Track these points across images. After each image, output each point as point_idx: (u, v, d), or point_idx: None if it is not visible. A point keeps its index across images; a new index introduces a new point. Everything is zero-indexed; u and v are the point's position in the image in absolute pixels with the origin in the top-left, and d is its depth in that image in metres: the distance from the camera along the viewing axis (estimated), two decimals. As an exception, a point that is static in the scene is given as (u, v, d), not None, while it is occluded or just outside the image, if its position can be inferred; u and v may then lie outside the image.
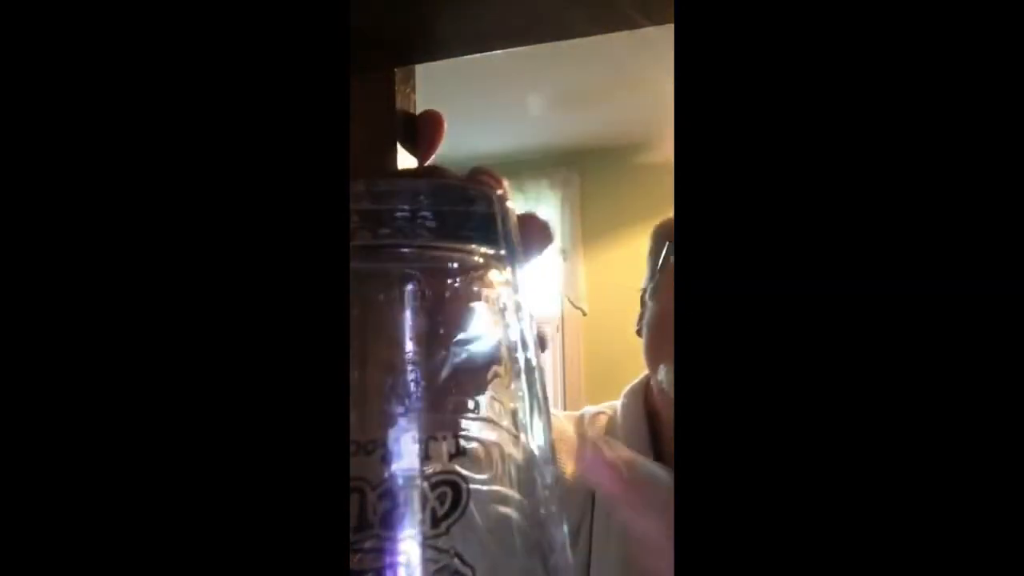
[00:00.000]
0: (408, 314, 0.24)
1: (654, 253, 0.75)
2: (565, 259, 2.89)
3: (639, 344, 0.73)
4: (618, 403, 0.78)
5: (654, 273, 0.74)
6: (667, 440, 0.71)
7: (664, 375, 0.68)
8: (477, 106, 2.04)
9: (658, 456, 0.70)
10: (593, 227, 2.91)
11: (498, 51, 0.31)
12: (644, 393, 0.75)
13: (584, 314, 2.89)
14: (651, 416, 0.73)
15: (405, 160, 0.31)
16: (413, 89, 0.32)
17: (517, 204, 0.26)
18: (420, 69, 0.32)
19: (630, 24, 0.27)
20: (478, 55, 0.31)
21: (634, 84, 1.91)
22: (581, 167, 2.70)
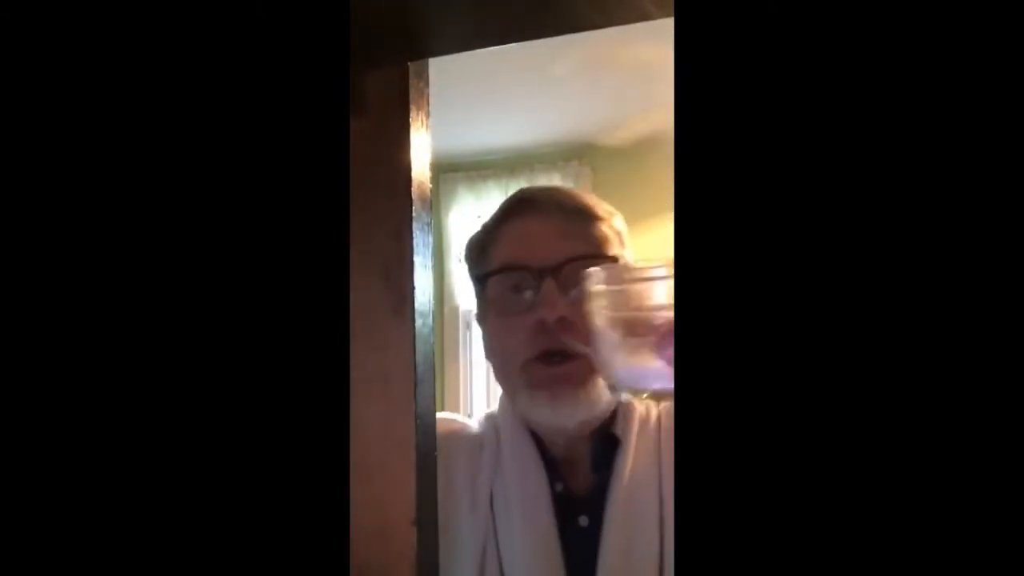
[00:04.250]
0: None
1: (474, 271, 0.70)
2: (576, 253, 2.86)
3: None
4: (479, 419, 0.75)
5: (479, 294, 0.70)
6: (555, 448, 0.69)
7: (525, 403, 0.65)
8: (489, 100, 2.04)
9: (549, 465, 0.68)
10: (604, 222, 2.87)
11: (510, 44, 0.31)
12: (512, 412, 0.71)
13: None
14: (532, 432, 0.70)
15: (417, 153, 0.31)
16: (427, 83, 0.32)
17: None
18: (433, 63, 0.33)
19: (642, 15, 0.27)
20: (490, 48, 0.32)
21: (646, 77, 1.90)
22: (592, 161, 2.69)
